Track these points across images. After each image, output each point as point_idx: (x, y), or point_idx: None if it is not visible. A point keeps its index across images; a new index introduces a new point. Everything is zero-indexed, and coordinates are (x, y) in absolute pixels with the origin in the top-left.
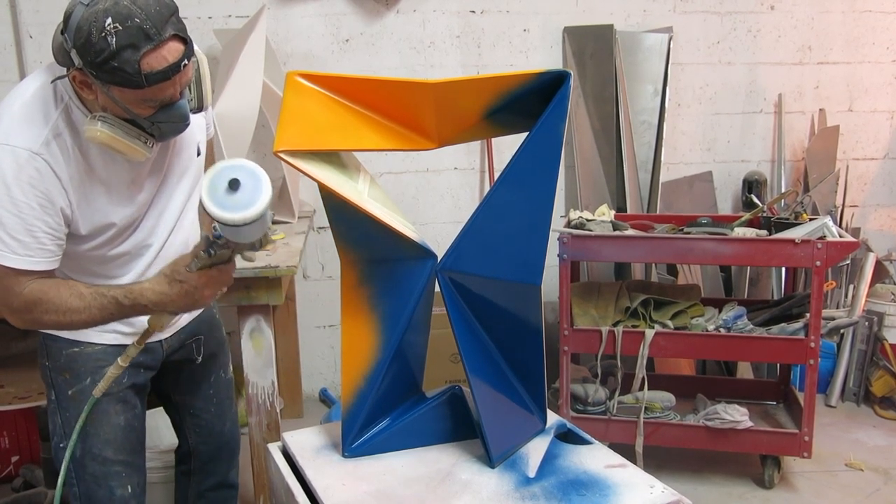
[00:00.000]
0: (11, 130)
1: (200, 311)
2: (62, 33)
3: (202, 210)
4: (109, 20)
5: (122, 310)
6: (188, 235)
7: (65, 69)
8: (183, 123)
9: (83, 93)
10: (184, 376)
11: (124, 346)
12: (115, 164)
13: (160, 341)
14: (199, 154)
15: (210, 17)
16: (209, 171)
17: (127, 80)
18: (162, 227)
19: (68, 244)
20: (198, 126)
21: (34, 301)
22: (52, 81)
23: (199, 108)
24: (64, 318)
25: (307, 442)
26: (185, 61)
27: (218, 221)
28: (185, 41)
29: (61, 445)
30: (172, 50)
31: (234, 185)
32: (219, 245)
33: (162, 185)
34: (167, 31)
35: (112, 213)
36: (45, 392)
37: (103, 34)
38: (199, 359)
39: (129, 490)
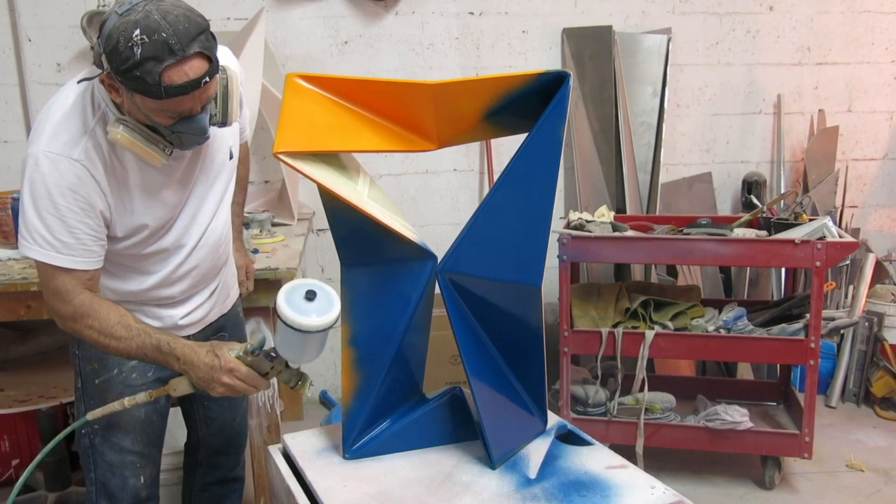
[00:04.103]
0: (52, 138)
1: (229, 308)
2: (97, 38)
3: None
4: (137, 31)
5: (157, 355)
6: (220, 236)
7: (99, 71)
8: (202, 137)
9: (112, 95)
10: None
11: None
12: (147, 168)
13: (188, 336)
14: (230, 158)
15: (209, 20)
16: (289, 283)
17: (147, 90)
18: (195, 229)
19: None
20: (230, 130)
21: (83, 314)
22: (79, 81)
23: (223, 123)
24: (103, 340)
25: (308, 444)
26: (207, 79)
27: (289, 324)
28: (210, 59)
29: (83, 432)
30: (195, 66)
31: (310, 295)
32: (265, 353)
33: (194, 189)
34: (192, 48)
35: (145, 214)
36: (71, 382)
37: (130, 44)
38: None
39: (142, 480)
